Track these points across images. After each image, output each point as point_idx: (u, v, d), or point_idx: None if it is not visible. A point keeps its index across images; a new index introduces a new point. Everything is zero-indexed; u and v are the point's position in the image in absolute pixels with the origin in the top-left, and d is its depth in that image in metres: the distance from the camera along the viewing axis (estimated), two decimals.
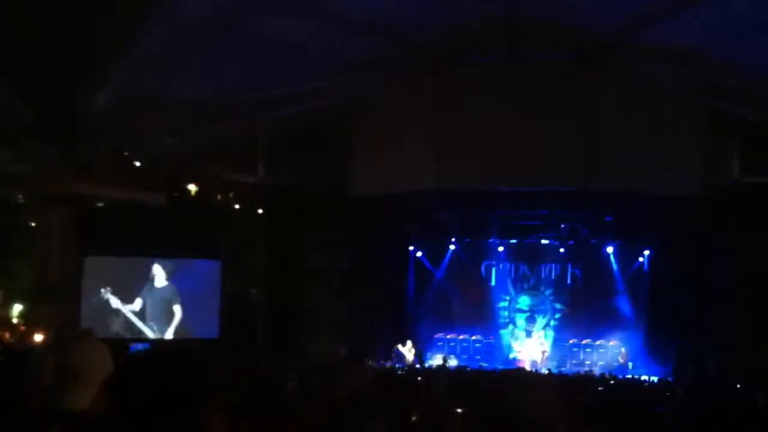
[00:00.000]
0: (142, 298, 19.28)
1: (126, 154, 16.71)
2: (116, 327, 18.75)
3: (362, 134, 18.31)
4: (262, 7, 12.27)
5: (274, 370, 12.37)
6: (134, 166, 17.24)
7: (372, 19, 13.72)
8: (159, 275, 19.53)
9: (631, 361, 21.35)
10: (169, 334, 19.47)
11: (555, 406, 2.32)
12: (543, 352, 22.07)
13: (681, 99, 16.61)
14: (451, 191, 18.13)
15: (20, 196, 16.82)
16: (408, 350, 21.16)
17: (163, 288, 19.55)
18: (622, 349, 21.57)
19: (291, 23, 13.20)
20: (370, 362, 20.11)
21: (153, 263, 19.51)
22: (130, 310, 19.06)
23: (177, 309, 19.60)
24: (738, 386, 14.88)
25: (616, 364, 21.32)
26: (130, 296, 19.11)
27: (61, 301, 14.81)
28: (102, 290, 18.58)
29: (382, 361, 20.60)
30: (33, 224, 16.99)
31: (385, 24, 14.11)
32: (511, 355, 22.65)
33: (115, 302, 18.79)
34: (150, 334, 19.19)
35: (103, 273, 18.84)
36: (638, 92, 16.57)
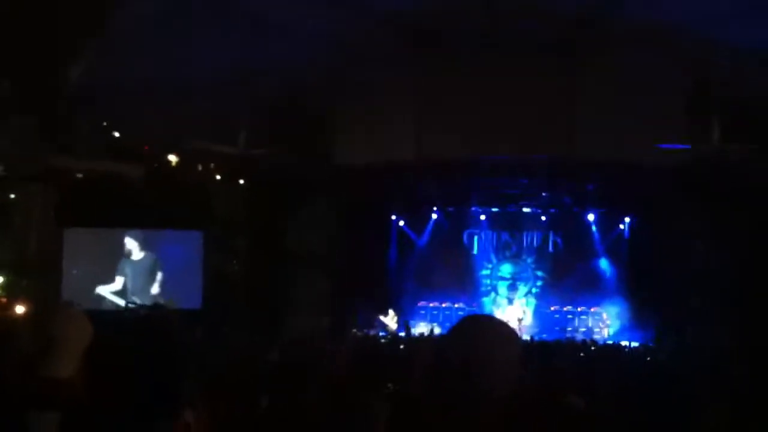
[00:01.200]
0: (122, 275, 19.18)
1: (104, 125, 16.55)
2: (98, 299, 18.66)
3: (343, 105, 18.24)
4: None
5: (254, 341, 12.39)
6: (113, 137, 17.08)
7: None
8: (134, 248, 19.39)
9: (611, 327, 21.55)
10: (169, 305, 19.41)
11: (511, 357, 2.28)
12: (519, 320, 22.17)
13: (661, 67, 16.62)
14: (431, 160, 18.13)
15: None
16: (390, 319, 21.23)
17: (140, 260, 19.45)
18: (603, 315, 21.76)
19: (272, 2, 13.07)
20: (353, 331, 20.17)
21: (132, 234, 19.37)
22: (110, 291, 18.97)
23: (158, 278, 19.52)
24: (715, 354, 15.07)
25: (597, 330, 21.51)
26: (112, 270, 19.02)
27: (41, 273, 14.74)
28: (74, 272, 18.45)
29: (365, 330, 20.66)
30: (12, 197, 16.83)
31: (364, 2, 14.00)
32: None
33: (100, 288, 18.74)
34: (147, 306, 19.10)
35: (82, 245, 18.72)
36: (618, 60, 16.56)
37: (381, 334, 20.22)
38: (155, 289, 19.48)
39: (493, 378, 2.22)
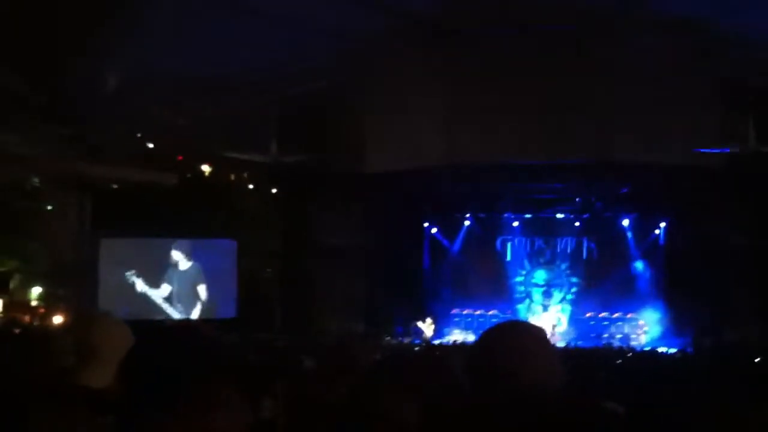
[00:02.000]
0: (168, 283, 19.37)
1: (138, 135, 16.72)
2: (140, 310, 18.82)
3: (373, 110, 18.25)
4: None
5: (290, 348, 12.40)
6: (146, 147, 17.24)
7: None
8: (180, 258, 19.58)
9: (648, 333, 21.29)
10: (195, 314, 19.57)
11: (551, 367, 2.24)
12: (553, 326, 21.98)
13: (692, 68, 16.44)
14: (463, 166, 18.07)
15: (35, 180, 16.88)
16: (427, 326, 21.24)
17: (187, 270, 19.63)
18: (640, 322, 21.50)
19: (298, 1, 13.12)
20: (387, 339, 20.15)
21: (169, 244, 19.55)
22: (159, 295, 19.16)
23: (202, 289, 19.70)
24: (756, 359, 14.82)
25: (633, 336, 21.27)
26: (150, 278, 19.18)
27: (76, 283, 14.91)
28: (127, 273, 18.66)
29: (400, 338, 20.63)
30: (48, 207, 17.05)
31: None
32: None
33: (141, 286, 18.88)
34: (176, 316, 19.28)
35: (119, 255, 18.91)
36: (651, 63, 16.41)
37: (415, 341, 20.18)
38: (202, 297, 19.67)
39: (528, 384, 2.18)
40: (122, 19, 10.99)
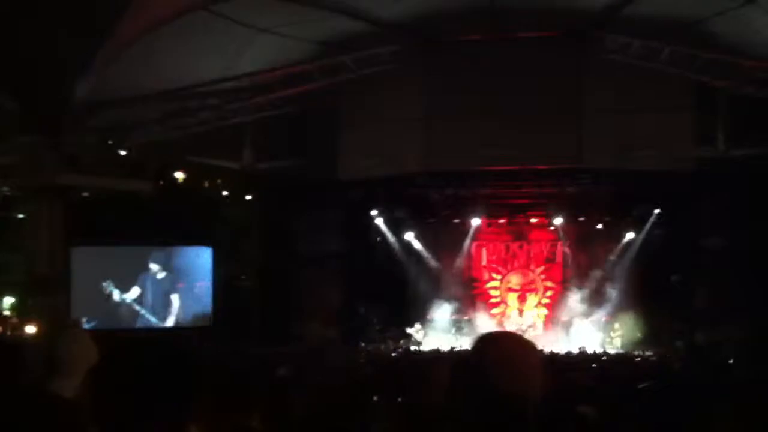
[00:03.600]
0: (140, 287, 19.25)
1: (110, 143, 16.60)
2: (114, 319, 18.70)
3: (349, 118, 18.27)
4: None
5: (265, 356, 12.35)
6: (120, 155, 17.12)
7: (355, 2, 13.65)
8: (154, 266, 19.51)
9: (623, 337, 21.38)
10: (169, 322, 19.48)
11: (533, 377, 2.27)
12: (523, 331, 22.10)
13: (665, 74, 16.61)
14: (439, 172, 18.12)
15: (6, 189, 16.70)
16: (416, 332, 21.37)
17: (162, 279, 19.53)
18: (615, 325, 21.60)
19: (274, 9, 13.12)
20: (363, 345, 20.13)
21: (143, 252, 19.44)
22: (133, 304, 19.10)
23: (175, 298, 19.61)
24: (729, 360, 14.96)
25: (608, 340, 21.38)
26: (122, 284, 19.06)
27: (51, 292, 14.75)
28: (104, 284, 18.58)
29: (376, 344, 20.63)
30: (21, 216, 16.87)
31: (367, 6, 14.04)
32: None
33: (117, 296, 18.82)
34: (151, 324, 19.19)
35: (91, 263, 18.75)
36: (622, 69, 16.56)
37: (412, 348, 20.31)
38: (176, 304, 19.61)
39: (519, 392, 2.22)
40: (98, 28, 10.92)
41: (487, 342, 2.38)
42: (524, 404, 2.21)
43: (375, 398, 4.71)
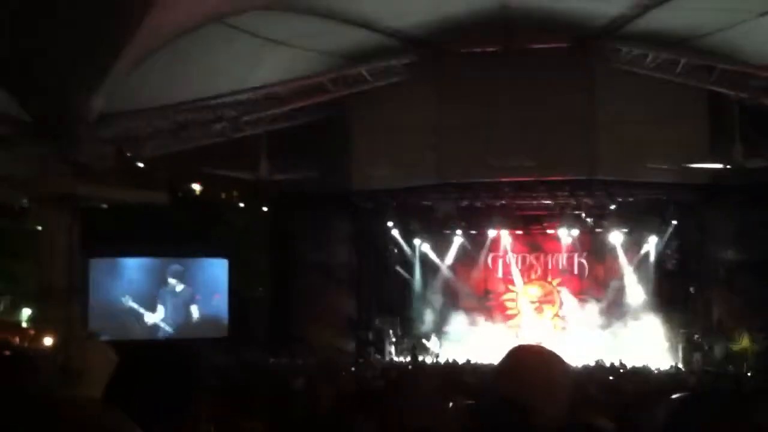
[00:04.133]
0: (160, 302, 19.38)
1: (128, 155, 16.68)
2: (130, 330, 18.79)
3: (362, 129, 18.30)
4: (259, 4, 12.23)
5: (280, 367, 12.36)
6: (136, 166, 17.20)
7: (368, 15, 13.69)
8: (174, 282, 19.63)
9: (640, 349, 21.23)
10: (185, 333, 19.57)
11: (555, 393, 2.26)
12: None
13: (679, 86, 16.55)
14: (453, 183, 18.11)
15: (24, 200, 16.79)
16: (433, 343, 21.36)
17: (181, 291, 19.64)
18: (632, 337, 21.47)
19: (288, 21, 13.17)
20: (377, 356, 20.10)
21: (159, 263, 19.53)
22: (157, 319, 19.25)
23: (194, 309, 19.72)
24: (747, 373, 14.84)
25: (626, 352, 21.23)
26: (140, 298, 19.17)
27: (66, 303, 14.81)
28: (123, 299, 18.69)
29: (391, 356, 20.61)
30: (37, 228, 16.95)
31: (381, 19, 14.08)
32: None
33: (138, 309, 18.95)
34: (166, 335, 19.28)
35: (108, 274, 18.86)
36: (636, 80, 16.51)
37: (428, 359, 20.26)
38: (194, 316, 19.72)
39: (549, 409, 2.22)
40: (114, 40, 11.00)
41: (512, 355, 2.37)
42: (542, 418, 2.20)
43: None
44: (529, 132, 17.13)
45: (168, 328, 19.41)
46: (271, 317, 20.97)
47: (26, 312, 19.86)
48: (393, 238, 21.99)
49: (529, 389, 2.23)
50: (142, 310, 19.00)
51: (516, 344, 2.50)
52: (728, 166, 16.62)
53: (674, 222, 20.22)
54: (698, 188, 17.27)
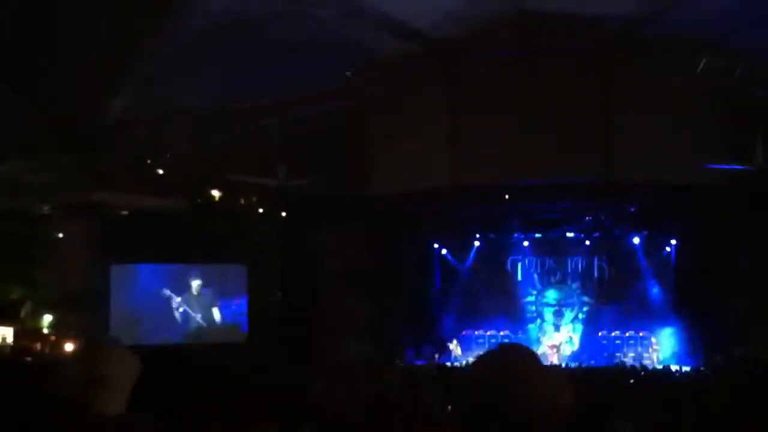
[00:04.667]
0: (180, 308, 19.56)
1: (147, 162, 16.81)
2: (153, 334, 18.98)
3: (379, 133, 18.31)
4: (276, 10, 12.30)
5: (299, 372, 12.38)
6: (155, 173, 17.32)
7: (384, 19, 13.73)
8: (196, 285, 19.80)
9: (661, 351, 21.17)
10: (206, 339, 19.72)
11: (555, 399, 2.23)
12: (553, 347, 22.08)
13: (698, 87, 16.46)
14: (470, 187, 18.09)
15: (43, 207, 16.97)
16: (455, 347, 21.39)
17: (204, 295, 19.80)
18: (652, 340, 21.40)
19: (306, 25, 13.23)
20: (396, 362, 20.09)
21: (180, 270, 19.67)
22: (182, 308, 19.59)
23: (216, 312, 19.90)
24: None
25: (646, 355, 21.16)
26: (160, 303, 19.35)
27: (87, 309, 14.95)
28: (164, 290, 19.19)
29: (412, 361, 20.59)
30: (58, 235, 17.11)
31: (397, 23, 14.11)
32: (540, 350, 22.56)
33: (176, 300, 19.19)
34: (188, 340, 19.46)
35: (129, 281, 19.01)
36: (655, 81, 16.43)
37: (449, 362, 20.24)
38: (215, 321, 19.88)
39: (520, 405, 2.18)
40: (132, 48, 11.10)
41: (490, 356, 2.34)
42: (523, 406, 2.16)
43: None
44: (546, 135, 17.08)
45: (203, 322, 19.65)
46: (289, 323, 21.02)
47: (47, 318, 20.04)
48: (411, 243, 22.00)
49: (506, 374, 2.20)
50: (178, 299, 19.30)
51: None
52: (749, 168, 16.50)
53: (694, 224, 20.11)
54: (719, 190, 17.14)
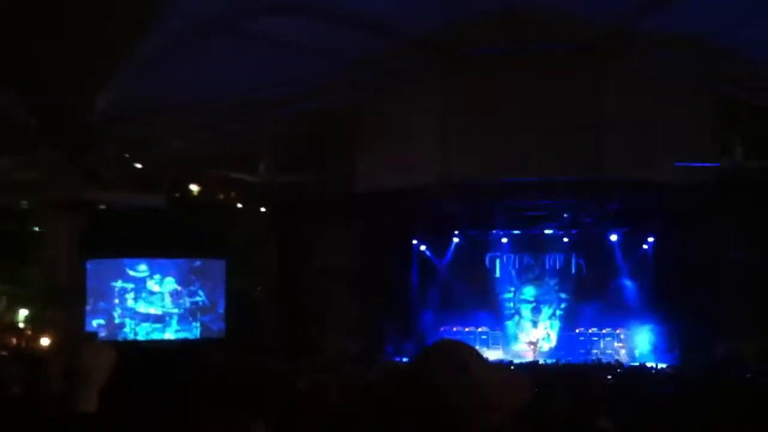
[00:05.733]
0: (157, 303, 19.39)
1: (126, 156, 16.70)
2: (128, 331, 18.86)
3: (366, 130, 18.29)
4: (262, 5, 12.24)
5: (285, 369, 12.37)
6: (135, 168, 17.21)
7: (372, 16, 13.70)
8: (168, 279, 19.66)
9: (638, 348, 21.32)
10: (183, 335, 19.59)
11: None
12: (531, 344, 22.24)
13: (683, 86, 16.57)
14: (455, 184, 18.12)
15: (25, 203, 16.82)
16: None
17: (175, 290, 19.66)
18: (630, 337, 21.56)
19: (292, 22, 13.18)
20: (378, 358, 20.10)
21: (158, 264, 19.56)
22: (148, 316, 19.32)
23: (191, 309, 19.84)
24: (747, 374, 14.89)
25: (623, 351, 21.31)
26: (138, 299, 19.22)
27: (68, 305, 14.85)
28: (126, 294, 19.03)
29: (391, 357, 20.60)
30: (38, 230, 16.98)
31: (386, 21, 14.09)
32: (518, 346, 22.66)
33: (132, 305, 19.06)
34: (165, 336, 19.31)
35: (106, 276, 18.89)
36: (641, 81, 16.54)
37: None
38: (191, 317, 19.75)
39: (469, 397, 2.15)
40: (119, 44, 11.01)
41: (429, 353, 2.30)
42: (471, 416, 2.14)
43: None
44: (533, 133, 17.14)
45: (165, 328, 19.41)
46: (272, 319, 20.98)
47: (23, 313, 19.89)
48: (395, 239, 21.99)
49: (439, 369, 2.17)
50: (136, 308, 19.09)
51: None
52: (733, 167, 16.65)
53: (676, 222, 20.23)
54: (701, 188, 17.27)
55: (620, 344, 21.65)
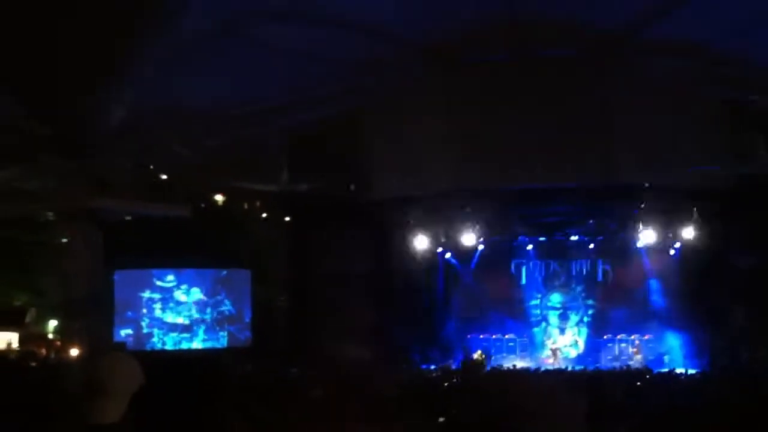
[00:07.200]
0: (183, 313, 19.53)
1: (150, 167, 16.82)
2: (155, 341, 18.99)
3: (378, 138, 18.29)
4: (272, 14, 12.28)
5: (299, 377, 12.39)
6: (158, 179, 17.33)
7: (378, 24, 13.70)
8: (195, 289, 19.80)
9: (666, 354, 21.13)
10: (210, 344, 19.69)
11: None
12: (554, 351, 22.13)
13: (691, 91, 16.42)
14: (472, 190, 18.06)
15: (48, 214, 17.00)
16: (479, 355, 21.30)
17: (201, 300, 19.79)
18: (658, 343, 21.37)
19: (301, 30, 13.21)
20: (403, 366, 20.05)
21: (183, 275, 19.70)
22: (174, 326, 19.45)
23: (217, 318, 19.93)
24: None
25: (651, 357, 21.13)
26: (165, 309, 19.35)
27: (90, 315, 14.96)
28: (153, 304, 19.21)
29: (418, 365, 20.55)
30: (62, 241, 17.14)
31: (391, 28, 14.09)
32: (545, 353, 22.54)
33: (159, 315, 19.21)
34: (191, 346, 19.43)
35: (133, 286, 19.03)
36: (654, 85, 16.39)
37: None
38: (217, 326, 19.87)
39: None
40: (131, 52, 11.09)
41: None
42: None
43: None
44: (545, 139, 17.05)
45: (191, 338, 19.53)
46: (292, 327, 21.02)
47: (53, 323, 20.09)
48: (413, 247, 21.94)
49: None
50: (163, 318, 19.25)
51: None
52: (751, 172, 16.48)
53: (698, 227, 20.05)
54: (720, 194, 17.10)
55: (648, 350, 21.46)
